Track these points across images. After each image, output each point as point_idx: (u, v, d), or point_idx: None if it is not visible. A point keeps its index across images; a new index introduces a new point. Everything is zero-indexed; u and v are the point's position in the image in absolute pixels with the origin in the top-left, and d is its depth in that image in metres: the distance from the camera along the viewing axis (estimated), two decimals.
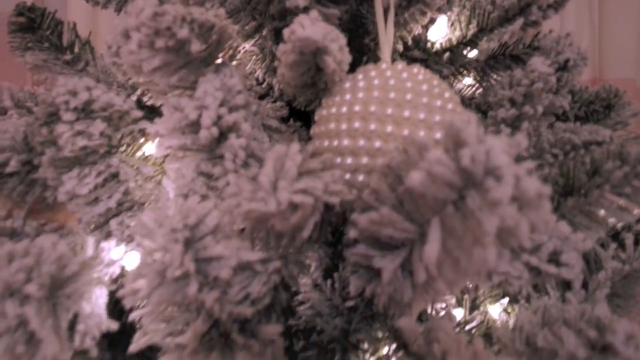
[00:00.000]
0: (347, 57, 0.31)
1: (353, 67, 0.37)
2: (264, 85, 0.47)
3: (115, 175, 0.37)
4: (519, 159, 0.23)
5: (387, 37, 0.34)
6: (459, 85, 0.56)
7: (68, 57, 0.47)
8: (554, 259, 0.29)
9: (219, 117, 0.30)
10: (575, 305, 0.29)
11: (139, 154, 0.40)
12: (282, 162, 0.25)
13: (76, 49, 0.47)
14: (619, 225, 0.49)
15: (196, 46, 0.29)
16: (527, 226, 0.21)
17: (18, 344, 0.26)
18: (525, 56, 0.49)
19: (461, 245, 0.23)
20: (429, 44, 0.44)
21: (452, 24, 0.43)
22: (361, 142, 0.29)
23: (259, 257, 0.27)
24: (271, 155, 0.25)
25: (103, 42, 0.42)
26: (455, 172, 0.21)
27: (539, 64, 0.34)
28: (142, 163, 0.38)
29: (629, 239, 0.45)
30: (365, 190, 0.29)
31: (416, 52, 0.43)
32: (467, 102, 0.52)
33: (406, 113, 0.28)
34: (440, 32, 0.44)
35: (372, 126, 0.28)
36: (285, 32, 0.31)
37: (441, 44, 0.44)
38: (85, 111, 0.33)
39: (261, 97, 0.44)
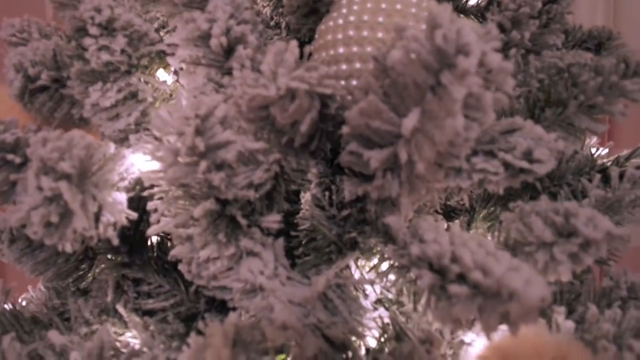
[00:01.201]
0: None
1: None
2: (272, 23, 0.50)
3: (134, 95, 0.41)
4: None
5: None
6: None
7: None
8: (528, 158, 0.32)
9: (228, 29, 0.34)
10: (547, 201, 0.32)
11: (157, 74, 0.44)
12: (281, 55, 0.28)
13: None
14: (608, 162, 0.52)
15: None
16: (490, 96, 0.24)
17: (52, 215, 0.30)
18: None
19: (436, 124, 0.26)
20: None
21: None
22: (354, 49, 0.32)
23: (262, 146, 0.31)
24: (272, 49, 0.28)
25: None
26: (430, 51, 0.24)
27: None
28: (159, 83, 0.42)
29: (614, 171, 0.47)
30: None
31: None
32: None
33: (396, 21, 0.31)
34: None
35: (365, 33, 0.31)
36: None
37: None
38: (108, 28, 0.37)
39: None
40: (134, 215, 0.34)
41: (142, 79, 0.41)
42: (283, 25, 0.50)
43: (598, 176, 0.47)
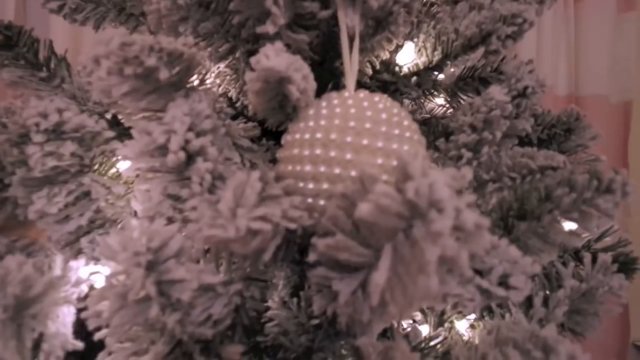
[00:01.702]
0: (311, 85, 0.32)
1: (325, 89, 0.39)
2: (238, 104, 0.48)
3: (86, 194, 0.38)
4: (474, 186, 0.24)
5: (352, 64, 0.35)
6: (431, 105, 0.58)
7: (44, 74, 0.47)
8: (504, 282, 0.30)
9: (187, 142, 0.31)
10: (525, 326, 0.31)
11: (111, 172, 0.41)
12: (242, 190, 0.26)
13: (52, 66, 0.48)
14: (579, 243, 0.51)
15: (164, 74, 0.30)
16: (466, 256, 0.22)
17: None
18: (491, 79, 0.51)
19: (408, 272, 0.24)
20: (397, 68, 0.45)
21: (418, 50, 0.45)
22: (322, 169, 0.30)
23: (221, 280, 0.28)
24: (232, 183, 0.26)
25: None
26: (401, 204, 0.22)
27: (496, 92, 0.36)
28: (114, 182, 0.39)
29: (587, 257, 0.47)
30: (325, 215, 0.30)
31: (385, 76, 0.45)
32: (436, 121, 0.54)
33: (364, 141, 0.30)
34: (408, 56, 0.46)
35: (332, 153, 0.30)
36: (252, 61, 0.32)
37: (409, 68, 0.46)
38: (56, 132, 0.34)
39: (235, 117, 0.45)
40: (79, 346, 0.31)
41: (94, 178, 0.38)
42: (249, 107, 0.48)
43: (572, 265, 0.46)
